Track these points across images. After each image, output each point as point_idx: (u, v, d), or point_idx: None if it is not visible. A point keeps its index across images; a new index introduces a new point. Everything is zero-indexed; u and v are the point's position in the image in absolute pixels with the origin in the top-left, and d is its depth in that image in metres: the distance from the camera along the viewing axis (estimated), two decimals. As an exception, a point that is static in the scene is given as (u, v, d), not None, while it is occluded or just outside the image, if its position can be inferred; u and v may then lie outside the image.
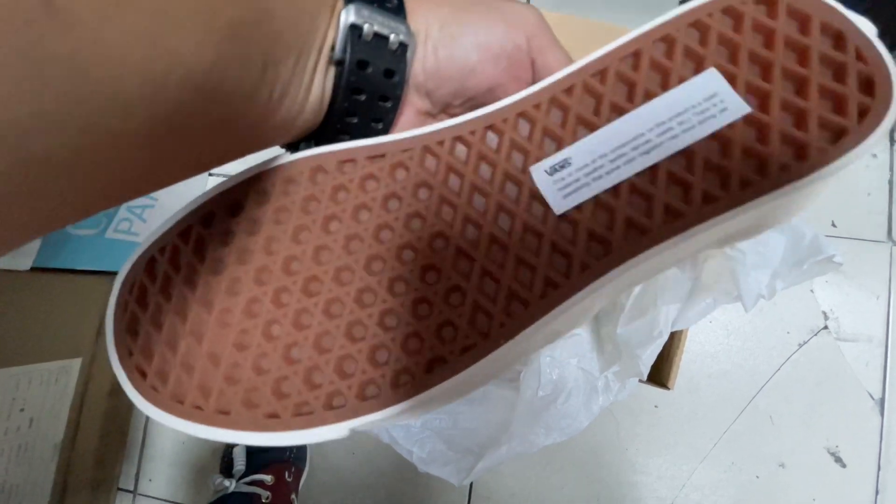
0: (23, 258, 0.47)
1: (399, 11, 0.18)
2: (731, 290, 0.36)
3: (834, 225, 0.65)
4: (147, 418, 0.70)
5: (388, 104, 0.19)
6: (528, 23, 0.19)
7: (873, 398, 0.62)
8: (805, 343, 0.63)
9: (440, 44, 0.18)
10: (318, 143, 0.19)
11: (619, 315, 0.36)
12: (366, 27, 0.17)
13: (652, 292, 0.36)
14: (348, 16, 0.16)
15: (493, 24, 0.19)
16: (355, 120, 0.19)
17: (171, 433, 0.69)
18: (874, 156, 0.66)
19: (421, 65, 0.19)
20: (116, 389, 0.66)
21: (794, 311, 0.64)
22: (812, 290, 0.64)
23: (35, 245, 0.48)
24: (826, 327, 0.63)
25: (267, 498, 0.57)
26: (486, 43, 0.19)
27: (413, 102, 0.20)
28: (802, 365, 0.63)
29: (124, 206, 0.58)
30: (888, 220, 0.64)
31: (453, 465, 0.44)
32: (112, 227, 0.57)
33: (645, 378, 0.36)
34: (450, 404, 0.48)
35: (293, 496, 0.61)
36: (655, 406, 0.64)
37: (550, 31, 0.20)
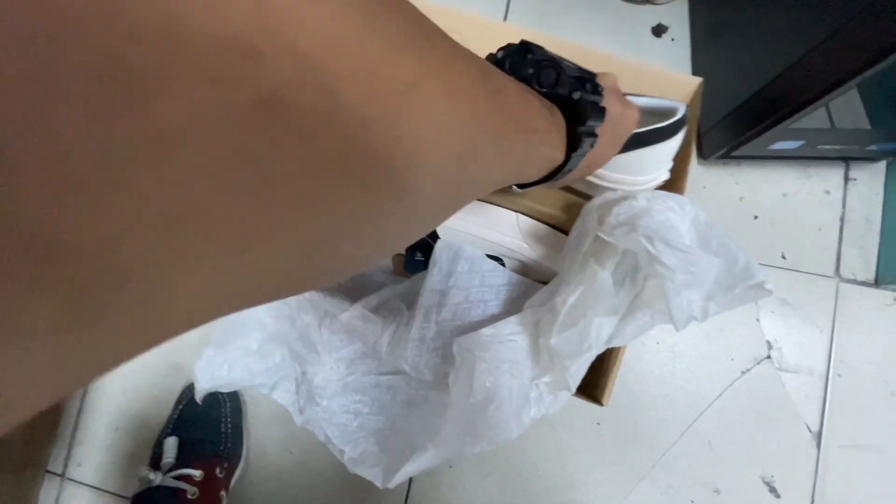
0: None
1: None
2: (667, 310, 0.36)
3: (783, 257, 0.66)
4: (81, 401, 0.68)
5: None
6: None
7: (811, 430, 0.63)
8: (748, 371, 0.64)
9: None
10: None
11: (554, 325, 0.36)
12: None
13: (583, 304, 0.36)
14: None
15: None
16: None
17: (106, 418, 0.67)
18: (827, 192, 0.67)
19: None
20: (51, 369, 0.65)
21: (740, 338, 0.64)
22: (758, 319, 0.65)
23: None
24: (769, 357, 0.64)
25: (194, 494, 0.55)
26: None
27: None
28: (744, 392, 0.64)
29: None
30: (837, 255, 0.66)
31: (381, 467, 0.43)
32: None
33: (573, 391, 0.35)
34: (391, 408, 0.47)
35: (223, 493, 0.59)
36: (598, 423, 0.64)
37: None
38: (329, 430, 0.47)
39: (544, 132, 0.25)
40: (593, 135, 0.29)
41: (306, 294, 0.44)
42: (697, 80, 0.54)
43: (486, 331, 0.38)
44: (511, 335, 0.38)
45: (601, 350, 0.36)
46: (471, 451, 0.38)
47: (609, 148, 0.34)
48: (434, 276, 0.41)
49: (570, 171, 0.30)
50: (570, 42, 0.57)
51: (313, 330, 0.45)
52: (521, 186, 0.31)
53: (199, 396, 0.41)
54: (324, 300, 0.43)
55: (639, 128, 0.47)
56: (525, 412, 0.38)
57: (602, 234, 0.34)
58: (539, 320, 0.39)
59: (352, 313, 0.42)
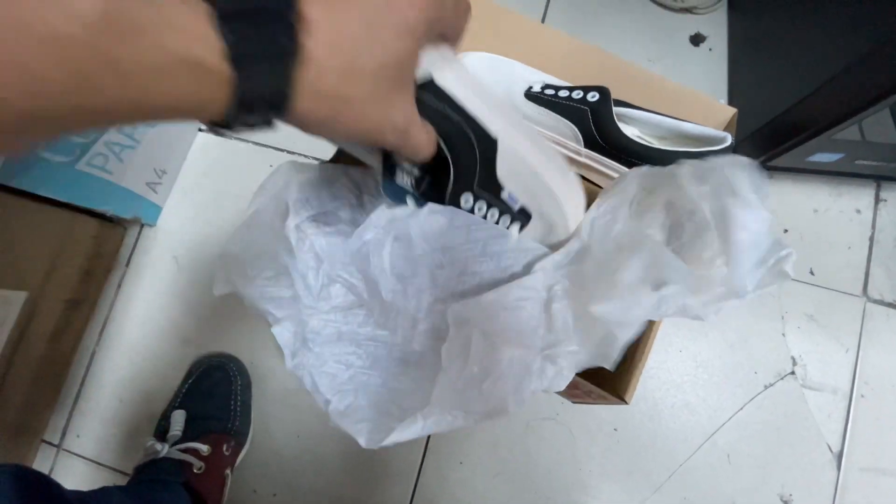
0: (-18, 169, 0.45)
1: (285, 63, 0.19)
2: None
3: (812, 273, 0.65)
4: (87, 369, 0.66)
5: None
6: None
7: (832, 450, 0.61)
8: (771, 385, 0.63)
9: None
10: None
11: (589, 292, 0.33)
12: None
13: (639, 269, 0.33)
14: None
15: None
16: None
17: (110, 389, 0.65)
18: (858, 211, 0.67)
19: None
20: (59, 333, 0.63)
21: (765, 351, 0.63)
22: (783, 334, 0.64)
23: (-2, 158, 0.45)
24: (793, 373, 0.63)
25: (199, 468, 0.53)
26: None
27: None
28: (766, 407, 0.62)
29: (103, 140, 0.56)
30: (865, 275, 0.65)
31: (367, 423, 0.40)
32: (85, 159, 0.55)
33: (613, 366, 0.33)
34: (385, 364, 0.44)
35: (228, 471, 0.57)
36: (615, 429, 0.62)
37: None
38: (318, 377, 0.44)
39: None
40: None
41: (312, 229, 0.42)
42: (733, 110, 0.56)
43: (488, 296, 0.35)
44: (518, 301, 0.34)
45: (655, 318, 0.34)
46: (462, 424, 0.36)
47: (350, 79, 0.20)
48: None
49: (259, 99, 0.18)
50: (609, 52, 0.58)
51: (311, 272, 0.43)
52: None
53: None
54: (331, 242, 0.41)
55: (686, 147, 0.47)
56: (525, 385, 0.34)
57: (676, 196, 0.32)
58: (553, 285, 0.35)
59: (359, 234, 0.40)
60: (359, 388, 0.43)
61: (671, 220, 0.35)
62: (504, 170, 0.32)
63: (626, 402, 0.44)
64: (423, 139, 0.26)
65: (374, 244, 0.40)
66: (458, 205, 0.34)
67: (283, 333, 0.44)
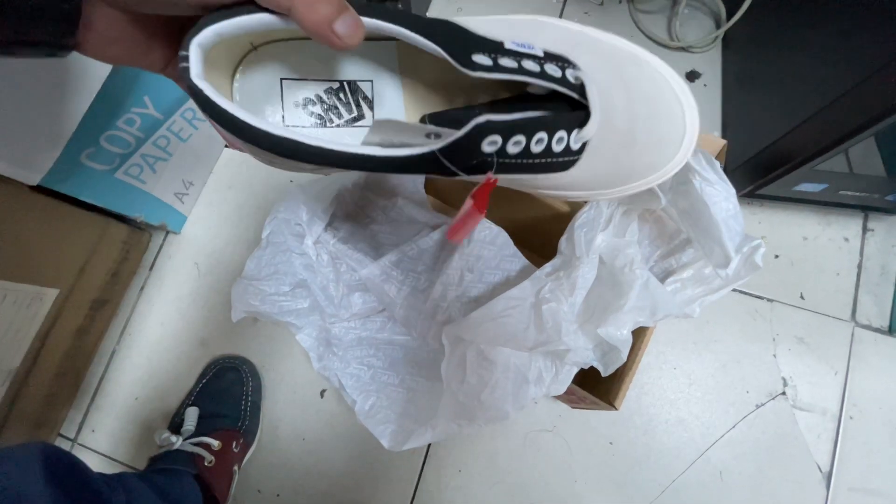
0: (33, 172, 0.49)
1: None
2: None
3: (802, 297, 0.68)
4: (106, 366, 0.69)
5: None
6: None
7: (821, 471, 0.63)
8: (762, 405, 0.65)
9: None
10: None
11: (591, 311, 0.37)
12: None
13: (638, 302, 0.36)
14: None
15: None
16: None
17: (127, 387, 0.68)
18: (846, 240, 0.70)
19: None
20: (84, 331, 0.66)
21: (756, 371, 0.66)
22: (775, 355, 0.66)
23: (47, 163, 0.50)
24: (784, 393, 0.65)
25: (210, 462, 0.56)
26: None
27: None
28: (757, 426, 0.64)
29: (140, 152, 0.61)
30: (853, 301, 0.68)
31: (389, 426, 0.44)
32: (123, 168, 0.59)
33: (624, 358, 0.36)
34: (401, 365, 0.47)
35: (236, 467, 0.60)
36: (610, 443, 0.64)
37: None
38: (343, 378, 0.48)
39: None
40: None
41: (328, 246, 0.46)
42: (723, 141, 0.59)
43: (475, 314, 0.38)
44: (505, 311, 0.38)
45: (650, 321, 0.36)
46: (467, 431, 0.39)
47: None
48: (461, 253, 0.42)
49: None
50: None
51: (332, 284, 0.47)
52: None
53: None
54: (345, 254, 0.45)
55: None
56: (523, 392, 0.38)
57: (660, 197, 0.35)
58: (542, 288, 0.38)
59: (371, 270, 0.44)
60: (380, 388, 0.47)
61: (650, 232, 0.39)
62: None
63: (615, 408, 0.47)
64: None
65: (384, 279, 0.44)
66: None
67: (306, 340, 0.48)
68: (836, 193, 0.63)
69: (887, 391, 0.64)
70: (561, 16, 0.80)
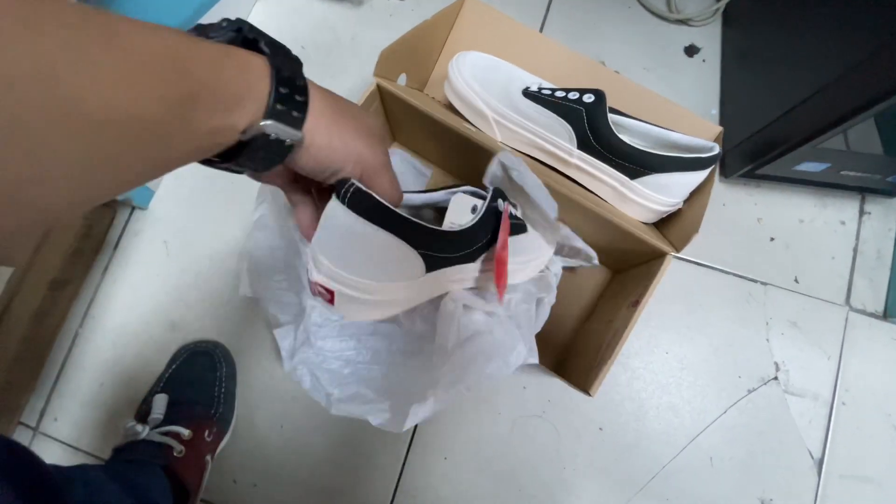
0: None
1: (299, 124, 0.25)
2: None
3: (796, 280, 0.66)
4: (68, 350, 0.65)
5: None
6: (364, 155, 0.29)
7: (813, 457, 0.62)
8: (754, 390, 0.63)
9: (320, 149, 0.27)
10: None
11: None
12: (272, 135, 0.24)
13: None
14: (266, 127, 0.24)
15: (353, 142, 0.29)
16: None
17: (92, 372, 0.64)
18: (842, 223, 0.68)
19: (302, 157, 0.27)
20: (43, 313, 0.62)
21: (748, 356, 0.64)
22: (767, 340, 0.65)
23: None
24: (776, 378, 0.64)
25: (180, 452, 0.53)
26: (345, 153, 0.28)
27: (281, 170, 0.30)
28: (748, 411, 0.63)
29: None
30: (848, 285, 0.66)
31: (373, 405, 0.42)
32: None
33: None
34: (385, 356, 0.46)
35: (209, 457, 0.56)
36: (600, 428, 0.63)
37: (383, 152, 0.31)
38: (319, 373, 0.45)
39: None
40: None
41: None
42: (719, 128, 0.59)
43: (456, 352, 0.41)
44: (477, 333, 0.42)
45: None
46: (465, 393, 0.39)
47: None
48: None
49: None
50: (603, 65, 0.59)
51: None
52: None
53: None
54: None
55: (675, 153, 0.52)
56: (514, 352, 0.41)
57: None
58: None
59: None
60: (361, 381, 0.44)
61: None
62: None
63: (590, 395, 0.46)
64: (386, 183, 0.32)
65: None
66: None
67: (283, 336, 0.45)
68: (837, 174, 0.61)
69: (880, 377, 0.64)
70: (555, -16, 0.76)
